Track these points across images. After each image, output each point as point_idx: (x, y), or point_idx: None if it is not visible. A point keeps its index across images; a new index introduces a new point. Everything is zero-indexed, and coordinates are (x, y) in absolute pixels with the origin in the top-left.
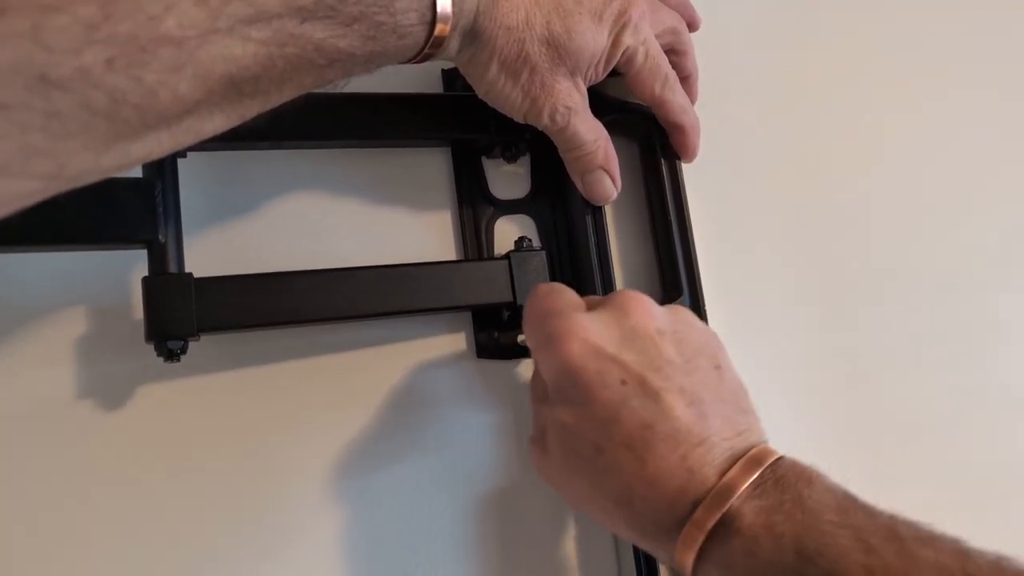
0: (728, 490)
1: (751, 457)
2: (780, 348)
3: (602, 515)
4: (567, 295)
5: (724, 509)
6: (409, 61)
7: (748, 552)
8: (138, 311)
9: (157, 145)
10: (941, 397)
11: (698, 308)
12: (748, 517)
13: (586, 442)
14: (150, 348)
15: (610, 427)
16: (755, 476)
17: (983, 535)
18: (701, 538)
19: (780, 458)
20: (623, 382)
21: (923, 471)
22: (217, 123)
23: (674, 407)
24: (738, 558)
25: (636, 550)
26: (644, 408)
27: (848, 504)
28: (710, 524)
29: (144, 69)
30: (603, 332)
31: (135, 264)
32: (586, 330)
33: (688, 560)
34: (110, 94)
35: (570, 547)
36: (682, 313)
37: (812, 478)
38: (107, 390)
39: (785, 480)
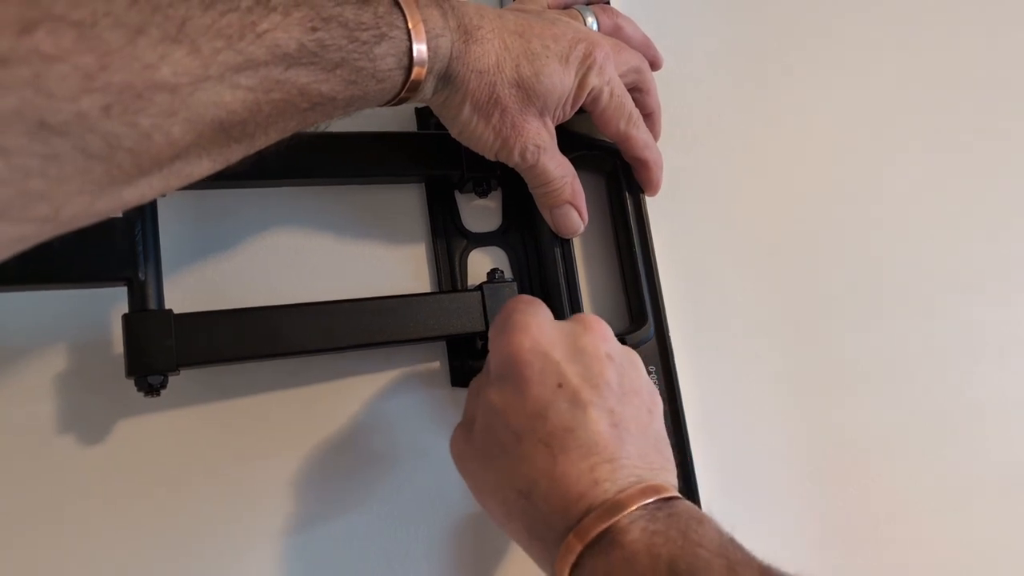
0: (620, 505)
1: (652, 486)
2: (742, 374)
3: (501, 508)
4: (539, 304)
5: (612, 521)
6: (387, 104)
7: (626, 564)
8: (118, 347)
9: (148, 188)
10: (905, 415)
11: (662, 335)
12: (633, 534)
13: (509, 429)
14: (130, 383)
15: (535, 421)
16: (650, 501)
17: (953, 543)
18: (579, 548)
19: (680, 498)
20: (559, 385)
21: (889, 487)
22: (204, 167)
23: (598, 421)
24: (615, 570)
25: None
26: (571, 413)
27: (730, 545)
28: (595, 532)
29: (139, 115)
30: (556, 338)
31: (115, 301)
32: (542, 331)
33: (564, 568)
34: (106, 138)
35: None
36: (634, 356)
37: (703, 520)
38: (87, 425)
39: (677, 515)
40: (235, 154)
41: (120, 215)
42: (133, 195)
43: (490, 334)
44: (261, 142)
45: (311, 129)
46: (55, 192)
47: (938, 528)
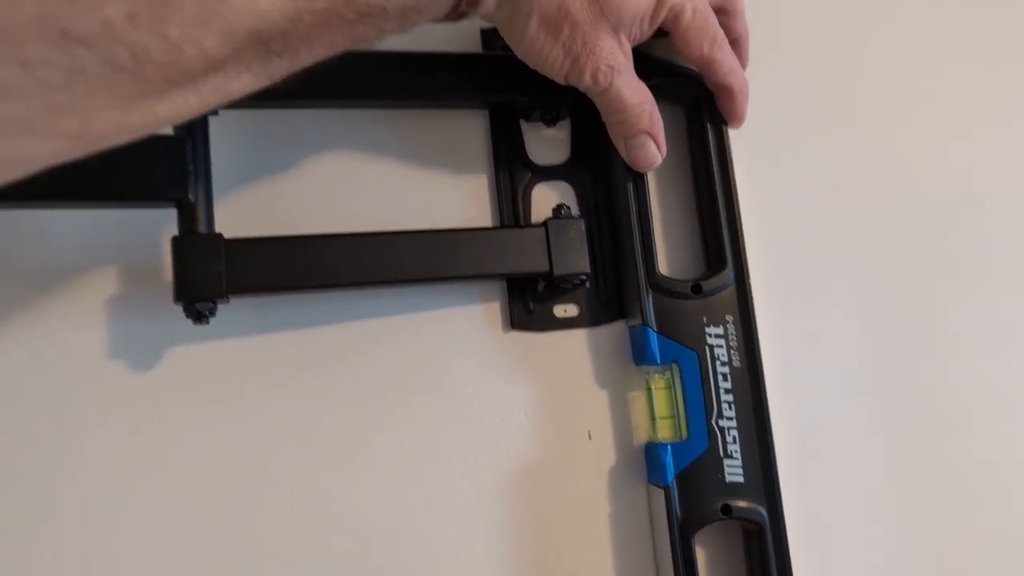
0: None
1: None
2: (828, 325)
3: None
4: None
5: None
6: (445, 19)
7: None
8: (170, 272)
9: (184, 104)
10: (1011, 385)
11: (742, 281)
12: None
13: None
14: (180, 309)
15: None
16: None
17: None
18: None
19: None
20: None
21: (990, 466)
22: (245, 83)
23: None
24: None
25: (672, 526)
26: None
27: None
28: None
29: (167, 24)
30: None
31: (168, 224)
32: None
33: None
34: (132, 50)
35: (603, 521)
36: None
37: None
38: (136, 350)
39: None
40: (278, 70)
41: (170, 132)
42: (167, 110)
43: None
44: (306, 57)
45: (364, 46)
46: (82, 106)
47: None
